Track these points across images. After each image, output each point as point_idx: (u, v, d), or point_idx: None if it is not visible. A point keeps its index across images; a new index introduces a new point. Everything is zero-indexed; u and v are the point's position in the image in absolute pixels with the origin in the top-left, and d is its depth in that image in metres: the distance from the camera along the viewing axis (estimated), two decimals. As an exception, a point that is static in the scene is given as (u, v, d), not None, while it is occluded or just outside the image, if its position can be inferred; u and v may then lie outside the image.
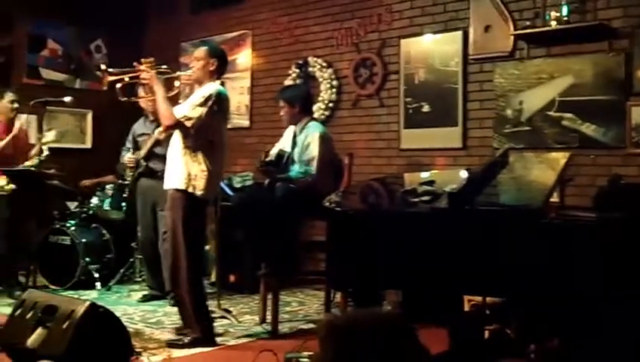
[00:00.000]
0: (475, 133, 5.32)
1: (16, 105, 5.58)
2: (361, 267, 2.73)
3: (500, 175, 3.31)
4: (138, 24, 7.86)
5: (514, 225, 2.45)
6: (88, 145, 7.53)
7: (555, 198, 3.50)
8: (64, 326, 3.11)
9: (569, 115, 4.83)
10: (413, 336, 1.48)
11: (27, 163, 5.37)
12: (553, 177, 3.20)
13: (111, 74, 4.07)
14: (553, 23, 4.75)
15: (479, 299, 3.62)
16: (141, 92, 5.02)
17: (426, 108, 5.56)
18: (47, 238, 5.92)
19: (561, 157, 3.60)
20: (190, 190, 3.97)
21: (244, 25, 6.97)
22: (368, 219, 2.80)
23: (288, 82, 6.29)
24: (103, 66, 4.11)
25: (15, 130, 5.50)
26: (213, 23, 7.21)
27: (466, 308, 3.76)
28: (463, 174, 3.84)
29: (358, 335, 1.42)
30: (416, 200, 2.76)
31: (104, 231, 6.09)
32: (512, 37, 5.10)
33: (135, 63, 4.03)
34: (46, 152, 5.25)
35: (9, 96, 5.62)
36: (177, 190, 4.00)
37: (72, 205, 6.36)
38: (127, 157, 5.47)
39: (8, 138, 5.47)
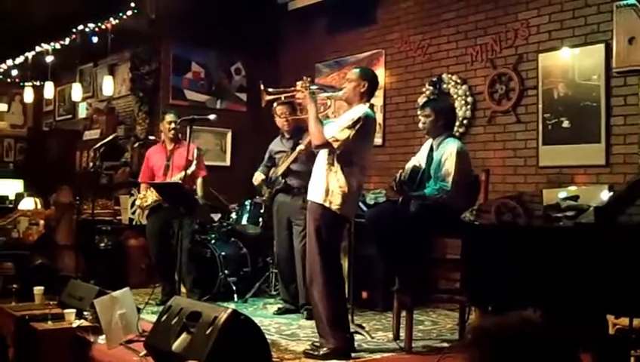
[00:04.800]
0: (619, 150, 5.06)
1: (174, 125, 5.91)
2: (499, 283, 2.68)
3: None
4: (275, 46, 8.11)
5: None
6: (227, 162, 7.84)
7: None
8: (207, 331, 3.22)
9: None
10: (568, 345, 1.42)
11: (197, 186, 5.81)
12: None
13: (269, 93, 4.27)
14: None
15: (625, 322, 3.44)
16: (277, 110, 5.18)
17: (565, 124, 5.36)
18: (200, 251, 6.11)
19: None
20: (327, 204, 4.09)
21: (377, 44, 7.02)
22: (508, 234, 2.74)
23: (422, 99, 6.27)
24: (262, 86, 4.29)
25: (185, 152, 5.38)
26: (347, 44, 7.32)
27: (611, 331, 3.58)
28: (605, 192, 3.67)
29: (509, 340, 1.38)
30: (559, 215, 2.67)
31: (242, 245, 6.31)
32: (660, 48, 4.84)
33: (297, 84, 4.21)
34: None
35: (169, 116, 5.98)
36: (315, 203, 4.14)
37: (216, 217, 6.65)
38: (255, 178, 5.67)
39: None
